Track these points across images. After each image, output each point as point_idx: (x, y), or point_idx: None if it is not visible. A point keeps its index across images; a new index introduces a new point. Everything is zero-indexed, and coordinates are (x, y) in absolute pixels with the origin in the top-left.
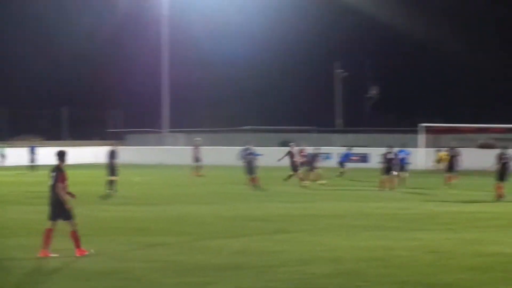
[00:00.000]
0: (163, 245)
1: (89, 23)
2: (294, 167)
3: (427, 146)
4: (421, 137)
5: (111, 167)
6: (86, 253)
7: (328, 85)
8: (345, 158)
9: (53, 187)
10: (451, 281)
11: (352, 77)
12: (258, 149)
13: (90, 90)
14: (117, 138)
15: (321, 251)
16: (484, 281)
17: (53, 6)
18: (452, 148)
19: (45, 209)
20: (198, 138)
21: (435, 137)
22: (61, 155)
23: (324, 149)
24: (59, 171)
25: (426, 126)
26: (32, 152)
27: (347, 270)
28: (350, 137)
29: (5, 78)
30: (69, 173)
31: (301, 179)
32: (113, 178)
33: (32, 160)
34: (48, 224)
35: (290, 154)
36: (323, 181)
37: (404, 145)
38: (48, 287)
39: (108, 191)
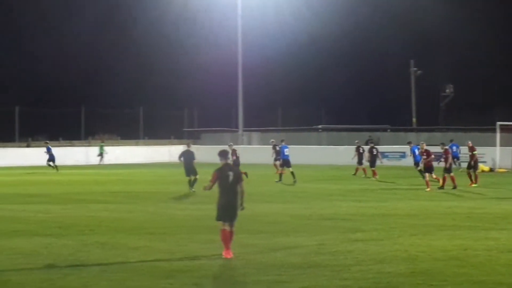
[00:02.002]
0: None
1: (168, 27)
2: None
3: (504, 145)
4: (498, 136)
5: (188, 167)
6: (232, 256)
7: (402, 83)
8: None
9: (232, 187)
10: None
11: (426, 75)
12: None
13: (165, 90)
14: (192, 137)
15: (396, 250)
16: None
17: (136, 10)
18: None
19: (116, 207)
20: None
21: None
22: (225, 154)
23: (399, 148)
24: (238, 171)
25: (501, 125)
26: (48, 152)
27: (423, 269)
28: (425, 135)
29: (83, 78)
30: (144, 172)
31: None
32: (192, 177)
33: (51, 160)
34: (220, 224)
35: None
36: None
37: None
38: (129, 285)
39: (191, 190)
